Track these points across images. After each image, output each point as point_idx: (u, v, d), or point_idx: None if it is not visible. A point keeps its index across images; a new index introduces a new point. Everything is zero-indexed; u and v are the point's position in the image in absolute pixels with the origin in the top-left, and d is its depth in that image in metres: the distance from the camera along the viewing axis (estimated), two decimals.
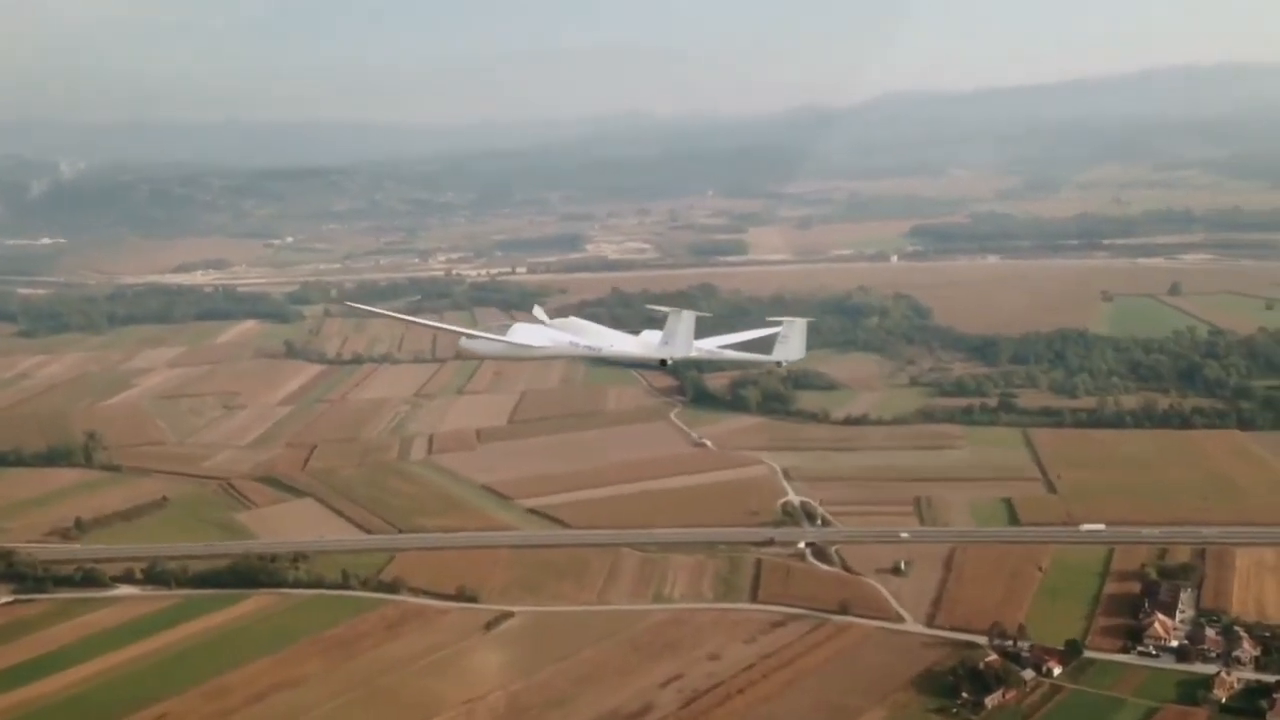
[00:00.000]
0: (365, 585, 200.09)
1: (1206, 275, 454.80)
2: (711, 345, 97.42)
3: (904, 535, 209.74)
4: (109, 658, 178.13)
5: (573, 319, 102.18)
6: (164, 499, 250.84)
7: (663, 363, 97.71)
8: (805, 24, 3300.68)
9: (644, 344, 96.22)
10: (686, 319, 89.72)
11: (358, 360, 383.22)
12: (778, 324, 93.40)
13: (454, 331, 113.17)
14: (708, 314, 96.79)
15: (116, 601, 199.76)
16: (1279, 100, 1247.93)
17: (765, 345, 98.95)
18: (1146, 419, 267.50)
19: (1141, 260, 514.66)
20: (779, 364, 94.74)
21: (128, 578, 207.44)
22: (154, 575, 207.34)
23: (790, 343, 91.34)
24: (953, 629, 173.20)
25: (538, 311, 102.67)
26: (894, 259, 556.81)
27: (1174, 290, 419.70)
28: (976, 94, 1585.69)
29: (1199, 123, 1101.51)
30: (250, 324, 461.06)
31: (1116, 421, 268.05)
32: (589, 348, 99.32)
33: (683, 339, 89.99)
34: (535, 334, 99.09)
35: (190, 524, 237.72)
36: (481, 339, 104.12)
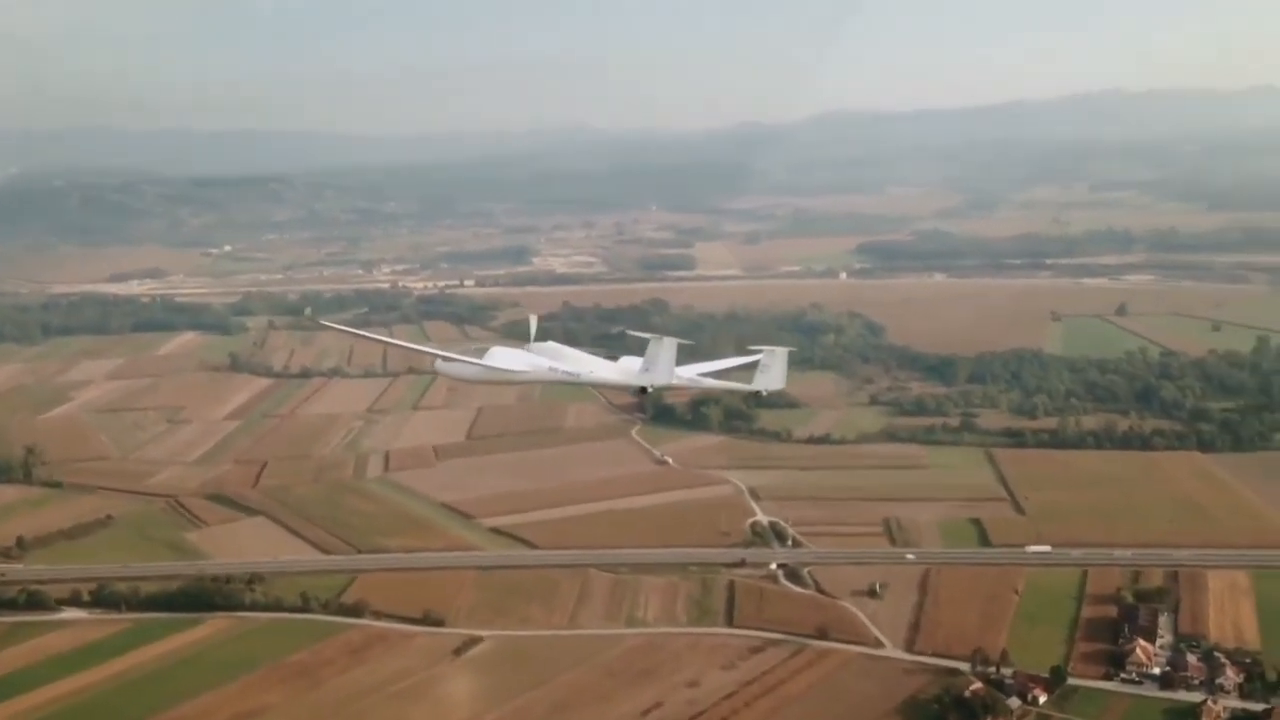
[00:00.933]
0: (326, 608, 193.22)
1: (1151, 296, 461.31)
2: (691, 373, 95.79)
3: (909, 557, 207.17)
4: (58, 685, 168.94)
5: (550, 343, 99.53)
6: (109, 517, 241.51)
7: (643, 390, 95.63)
8: (744, 42, 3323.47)
9: (624, 370, 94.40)
10: (668, 346, 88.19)
11: (306, 374, 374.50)
12: (758, 352, 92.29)
13: (431, 354, 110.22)
14: (690, 341, 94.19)
15: (64, 625, 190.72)
16: (1204, 125, 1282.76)
17: (742, 372, 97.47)
18: (1108, 440, 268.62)
19: (1086, 280, 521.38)
20: (759, 393, 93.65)
21: (75, 600, 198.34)
22: (103, 598, 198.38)
23: (771, 371, 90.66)
24: (934, 655, 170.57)
25: (532, 321, 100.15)
26: (843, 276, 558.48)
27: (1121, 311, 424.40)
28: (912, 114, 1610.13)
29: (1129, 145, 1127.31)
30: (191, 335, 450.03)
31: (1078, 442, 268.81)
32: (568, 373, 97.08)
33: (664, 366, 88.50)
34: (513, 358, 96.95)
35: (138, 543, 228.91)
36: (458, 362, 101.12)
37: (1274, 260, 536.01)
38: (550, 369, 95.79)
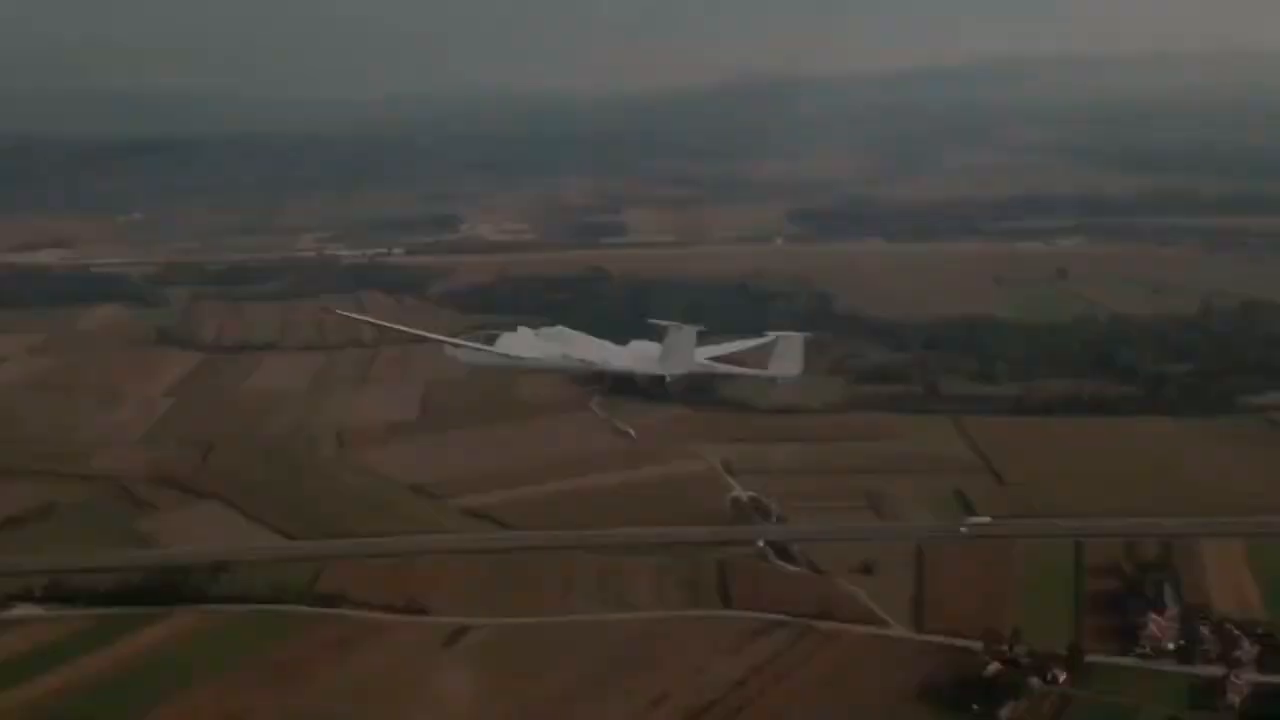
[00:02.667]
0: (302, 599, 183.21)
1: (1086, 259, 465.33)
2: (701, 358, 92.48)
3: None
4: (18, 691, 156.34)
5: (560, 329, 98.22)
6: (51, 504, 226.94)
7: (661, 379, 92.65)
8: (645, 5, 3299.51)
9: (640, 358, 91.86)
10: (687, 334, 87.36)
11: (241, 347, 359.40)
12: (769, 337, 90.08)
13: (438, 340, 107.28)
14: (705, 328, 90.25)
15: (18, 624, 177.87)
16: (1103, 92, 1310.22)
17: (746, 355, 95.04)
18: (1075, 406, 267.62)
19: (1019, 244, 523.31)
20: (775, 380, 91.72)
21: (26, 596, 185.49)
22: (57, 593, 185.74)
23: (787, 358, 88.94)
24: (944, 634, 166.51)
25: (522, 330, 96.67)
26: (779, 242, 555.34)
27: (1062, 274, 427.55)
28: (817, 80, 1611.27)
29: (1034, 110, 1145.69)
30: (112, 308, 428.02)
31: (1045, 409, 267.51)
32: (583, 361, 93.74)
33: (683, 354, 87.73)
34: (524, 344, 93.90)
35: (86, 532, 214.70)
36: (467, 348, 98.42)
37: (1198, 223, 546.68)
38: (564, 356, 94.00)
